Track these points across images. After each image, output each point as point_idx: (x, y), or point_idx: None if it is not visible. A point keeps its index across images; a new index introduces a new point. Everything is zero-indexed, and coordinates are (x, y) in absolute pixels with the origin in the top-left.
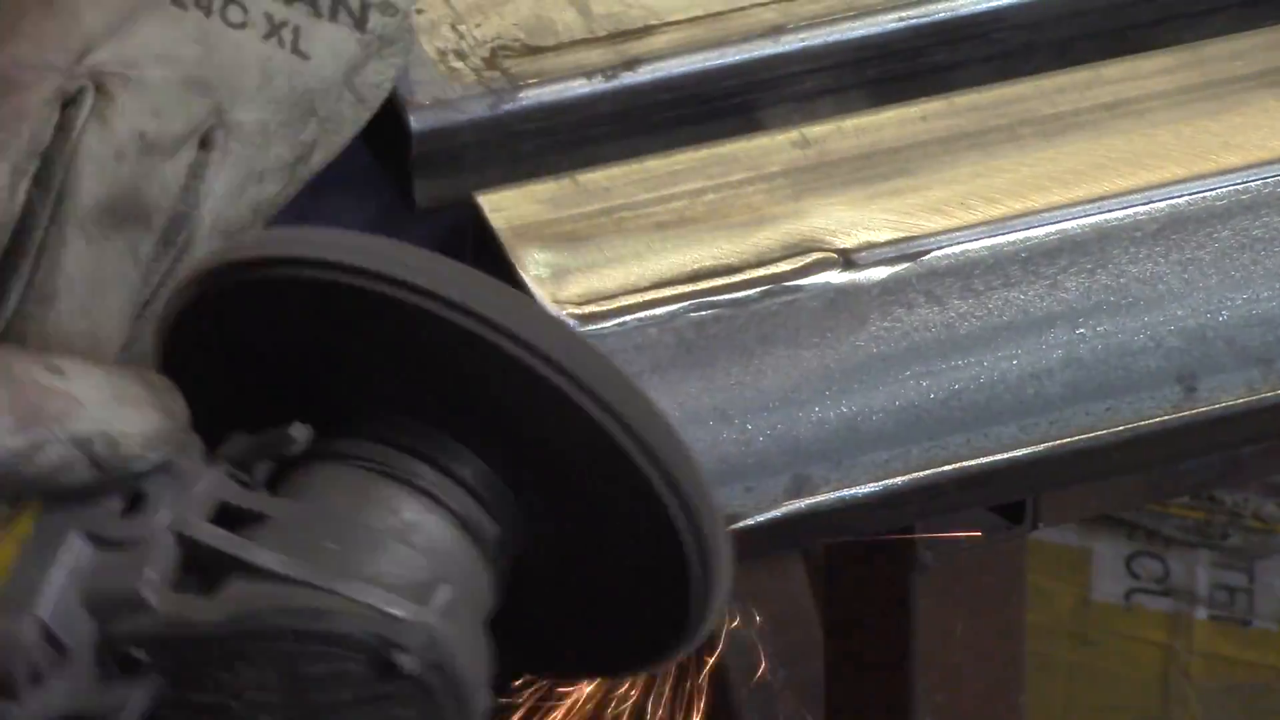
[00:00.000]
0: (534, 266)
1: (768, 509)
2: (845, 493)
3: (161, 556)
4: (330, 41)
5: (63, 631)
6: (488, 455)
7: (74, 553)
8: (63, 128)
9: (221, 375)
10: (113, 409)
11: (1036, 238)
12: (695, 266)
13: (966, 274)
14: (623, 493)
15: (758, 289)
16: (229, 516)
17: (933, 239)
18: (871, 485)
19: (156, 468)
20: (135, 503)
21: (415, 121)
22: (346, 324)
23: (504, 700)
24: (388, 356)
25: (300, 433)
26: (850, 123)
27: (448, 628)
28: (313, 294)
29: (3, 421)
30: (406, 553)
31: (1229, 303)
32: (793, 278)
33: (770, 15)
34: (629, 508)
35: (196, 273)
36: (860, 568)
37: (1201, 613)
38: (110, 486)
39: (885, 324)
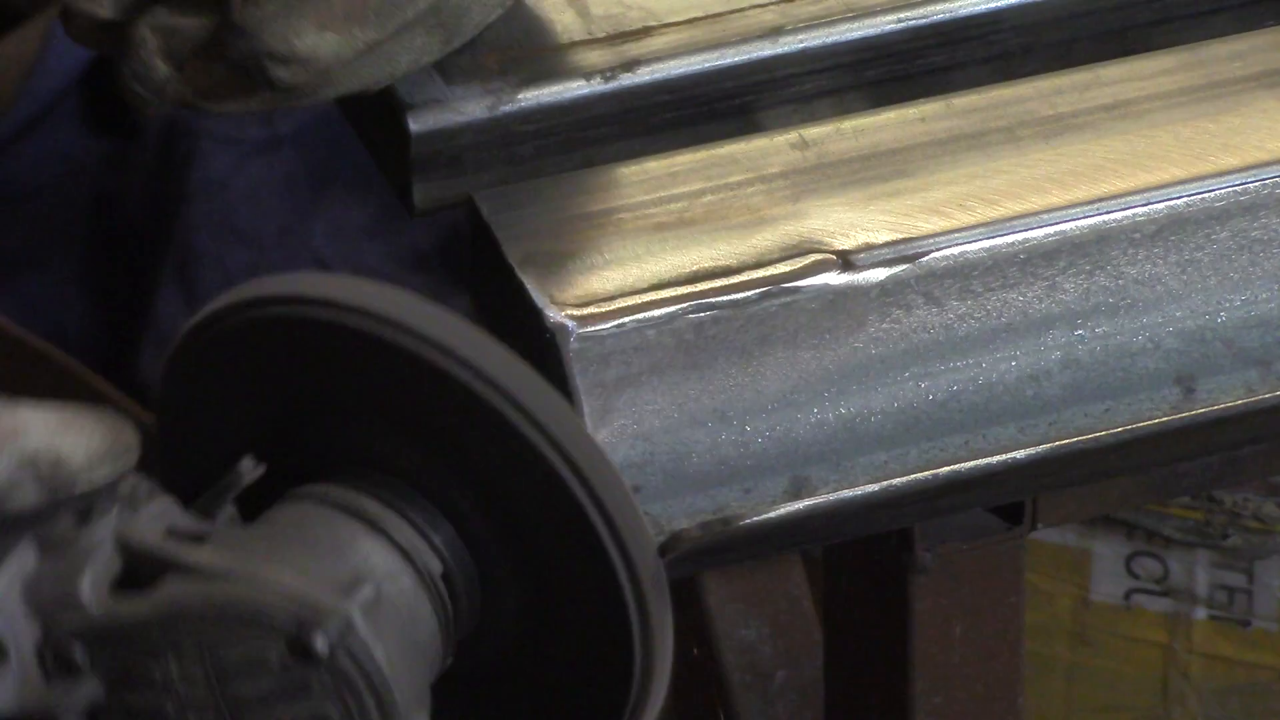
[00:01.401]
0: (533, 268)
1: (766, 510)
2: (844, 494)
3: (101, 561)
4: None
5: (6, 631)
6: (457, 518)
7: (21, 559)
8: None
9: (220, 420)
10: (58, 432)
11: (1035, 239)
12: (694, 268)
13: (965, 275)
14: (583, 569)
15: (756, 290)
16: (175, 538)
17: (931, 240)
18: (870, 486)
19: (106, 488)
20: (84, 516)
21: (414, 123)
22: (335, 365)
23: None
24: (371, 403)
25: (247, 467)
26: (849, 124)
27: (368, 624)
28: (308, 333)
29: None
30: (342, 561)
31: (1228, 304)
32: (791, 279)
33: (769, 17)
34: (586, 582)
35: (204, 315)
36: (859, 569)
37: (1201, 613)
38: (58, 507)
39: (884, 325)
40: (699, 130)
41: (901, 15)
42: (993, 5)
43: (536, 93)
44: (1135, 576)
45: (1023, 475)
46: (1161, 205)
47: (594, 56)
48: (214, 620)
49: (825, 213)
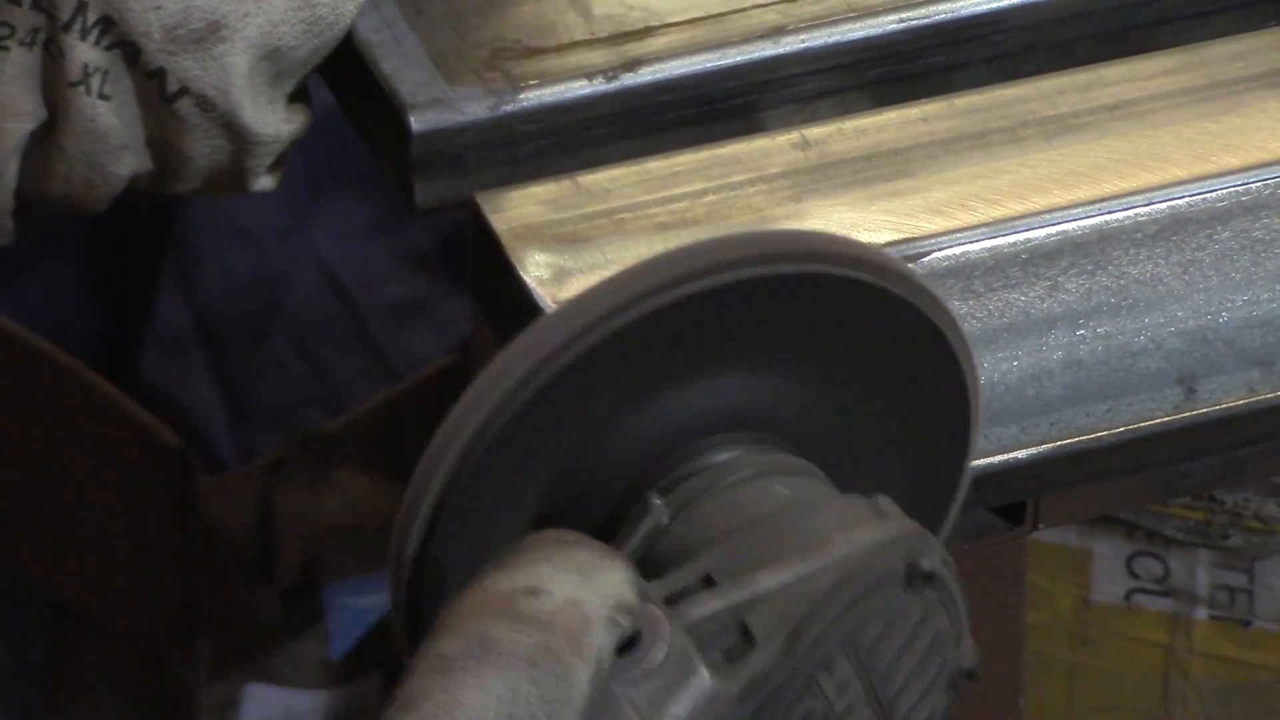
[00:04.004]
0: (534, 268)
1: None
2: None
3: (698, 651)
4: None
5: None
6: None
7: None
8: None
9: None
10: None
11: (1037, 239)
12: None
13: (966, 275)
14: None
15: None
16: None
17: (933, 240)
18: None
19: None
20: (631, 642)
21: (415, 122)
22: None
23: None
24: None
25: (658, 501)
26: (851, 124)
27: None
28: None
29: None
30: (824, 507)
31: (1229, 304)
32: None
33: (771, 17)
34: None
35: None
36: None
37: (1201, 613)
38: None
39: None
40: (701, 130)
41: (903, 15)
42: (995, 5)
43: (538, 93)
44: (1136, 576)
45: (1024, 475)
46: (1163, 205)
47: (596, 56)
48: (839, 612)
49: (827, 213)
